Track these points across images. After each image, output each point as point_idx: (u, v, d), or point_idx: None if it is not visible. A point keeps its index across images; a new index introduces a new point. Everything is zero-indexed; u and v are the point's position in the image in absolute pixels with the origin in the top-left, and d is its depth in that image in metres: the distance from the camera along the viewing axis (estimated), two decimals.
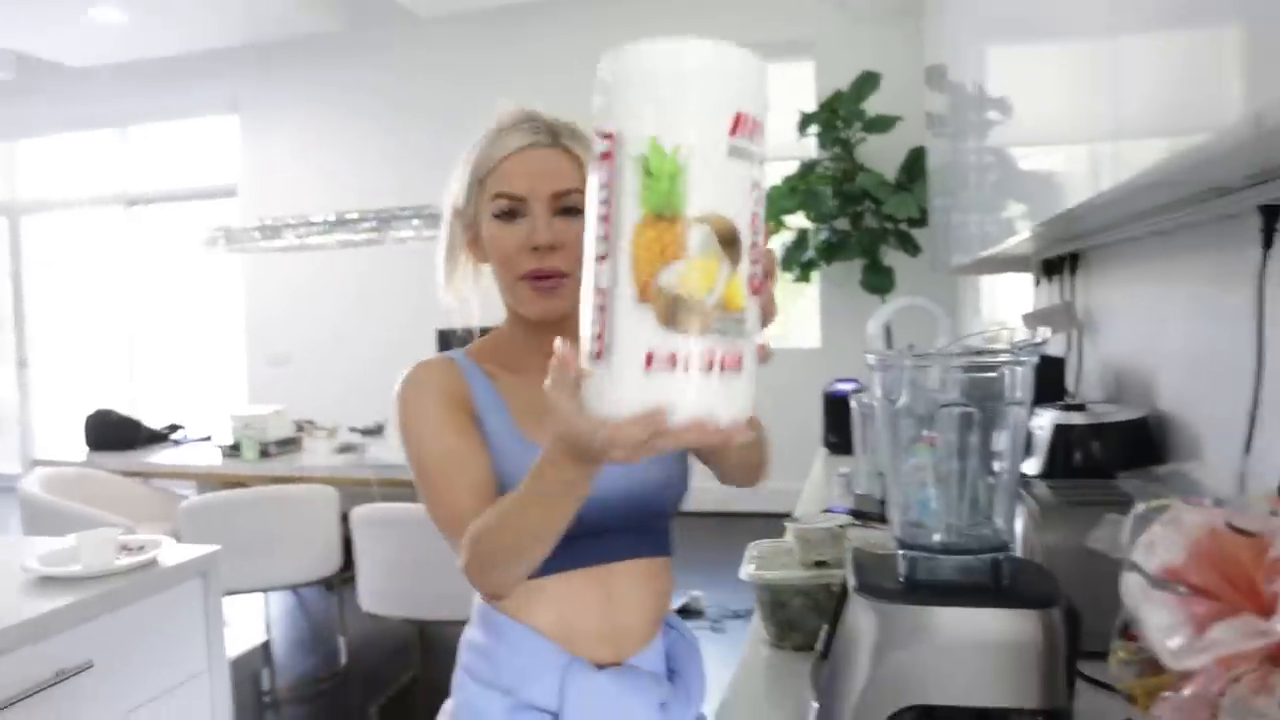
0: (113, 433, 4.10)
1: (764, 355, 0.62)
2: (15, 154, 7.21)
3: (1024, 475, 1.30)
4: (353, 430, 4.01)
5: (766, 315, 0.63)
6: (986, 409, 0.83)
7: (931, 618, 0.79)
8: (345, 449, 3.68)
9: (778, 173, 4.87)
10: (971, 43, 1.97)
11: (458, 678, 1.02)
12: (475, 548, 0.84)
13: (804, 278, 4.95)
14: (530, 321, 0.99)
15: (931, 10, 3.15)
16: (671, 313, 0.56)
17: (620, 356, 0.58)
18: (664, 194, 0.57)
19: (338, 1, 5.68)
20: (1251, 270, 1.05)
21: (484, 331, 1.06)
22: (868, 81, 4.64)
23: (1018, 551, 1.12)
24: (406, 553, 2.64)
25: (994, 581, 0.83)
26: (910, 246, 4.66)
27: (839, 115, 4.65)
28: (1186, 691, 0.56)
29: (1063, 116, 1.14)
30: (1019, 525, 1.14)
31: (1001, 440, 0.84)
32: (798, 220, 4.89)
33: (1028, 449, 1.35)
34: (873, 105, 4.67)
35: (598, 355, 0.59)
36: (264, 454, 3.68)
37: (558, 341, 0.64)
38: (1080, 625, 0.80)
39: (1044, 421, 1.41)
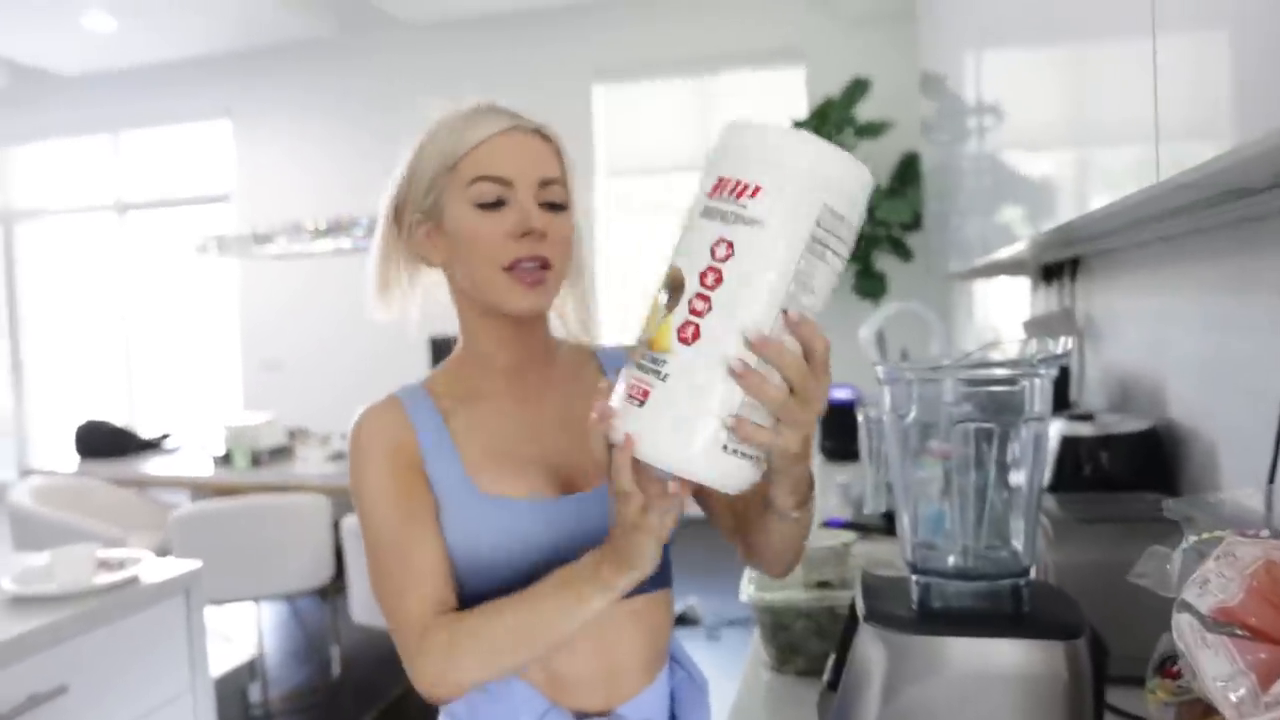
0: (102, 444, 4.04)
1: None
2: (8, 161, 7.15)
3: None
4: (345, 438, 3.95)
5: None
6: (1004, 424, 0.78)
7: (946, 649, 0.74)
8: (338, 457, 3.63)
9: None
10: (965, 48, 1.92)
11: (441, 717, 0.96)
12: (454, 646, 0.80)
13: None
14: (492, 335, 0.92)
15: (924, 16, 3.11)
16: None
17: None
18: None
19: (326, 7, 5.63)
20: (1277, 277, 1.00)
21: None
22: (859, 88, 4.63)
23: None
24: None
25: (1014, 609, 0.78)
26: (903, 251, 4.63)
27: (830, 122, 4.62)
28: None
29: (1064, 121, 1.09)
30: None
31: (1020, 457, 0.79)
32: None
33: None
34: (865, 111, 4.65)
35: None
36: (256, 462, 3.64)
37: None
38: (1107, 656, 0.75)
39: (1051, 432, 1.36)
